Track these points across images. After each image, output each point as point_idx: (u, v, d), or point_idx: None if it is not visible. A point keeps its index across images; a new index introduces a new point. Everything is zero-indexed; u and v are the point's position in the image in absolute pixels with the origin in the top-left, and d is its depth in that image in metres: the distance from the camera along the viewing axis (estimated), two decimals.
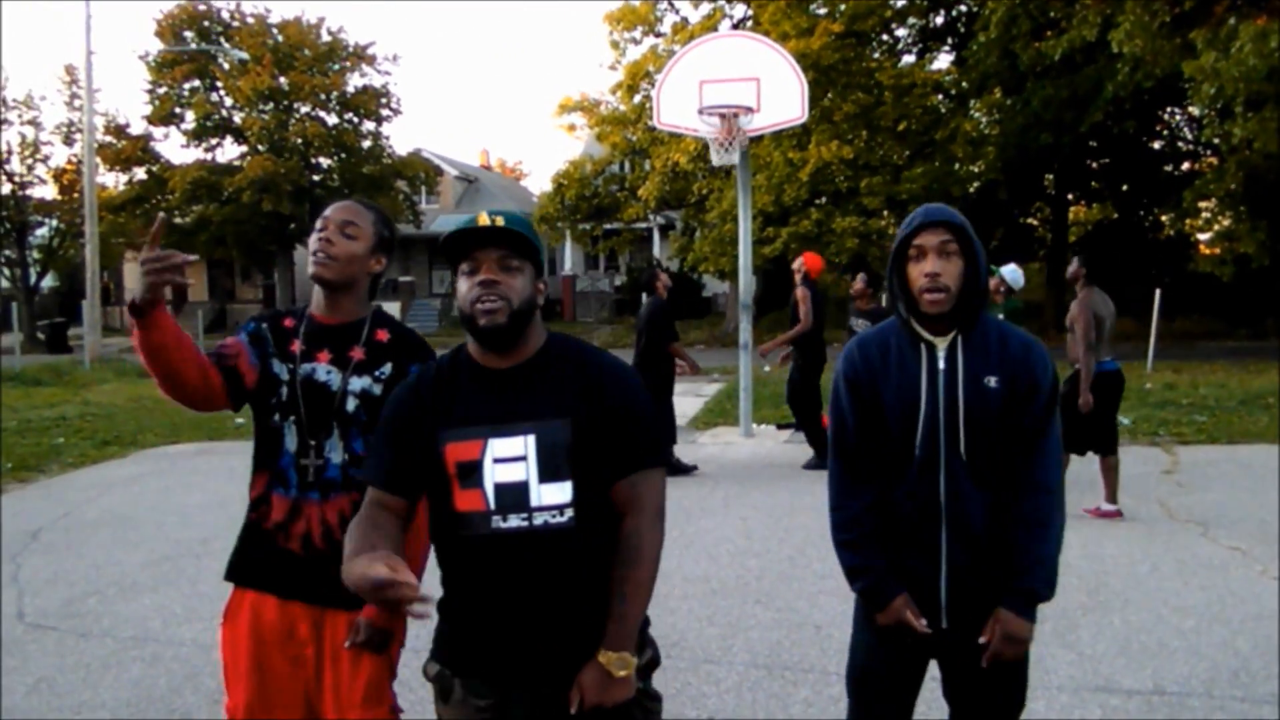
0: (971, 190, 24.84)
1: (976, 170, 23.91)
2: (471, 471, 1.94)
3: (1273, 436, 10.07)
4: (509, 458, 1.93)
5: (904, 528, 2.33)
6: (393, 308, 34.09)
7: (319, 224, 2.39)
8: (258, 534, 2.40)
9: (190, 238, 32.57)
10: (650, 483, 2.01)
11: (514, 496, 1.92)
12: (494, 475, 1.93)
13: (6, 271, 30.68)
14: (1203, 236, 27.24)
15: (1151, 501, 7.26)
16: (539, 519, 1.93)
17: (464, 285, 1.96)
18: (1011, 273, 7.64)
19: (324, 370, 2.37)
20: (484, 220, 1.94)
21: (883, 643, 2.38)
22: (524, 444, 1.94)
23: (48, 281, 35.04)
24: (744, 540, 6.45)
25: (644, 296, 9.06)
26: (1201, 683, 4.03)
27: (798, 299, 8.91)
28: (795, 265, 9.23)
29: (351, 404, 2.36)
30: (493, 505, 1.93)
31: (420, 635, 2.32)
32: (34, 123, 30.11)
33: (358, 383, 2.37)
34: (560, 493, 1.94)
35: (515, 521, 1.92)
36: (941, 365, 2.30)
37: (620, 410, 1.99)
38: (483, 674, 1.99)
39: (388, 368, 2.39)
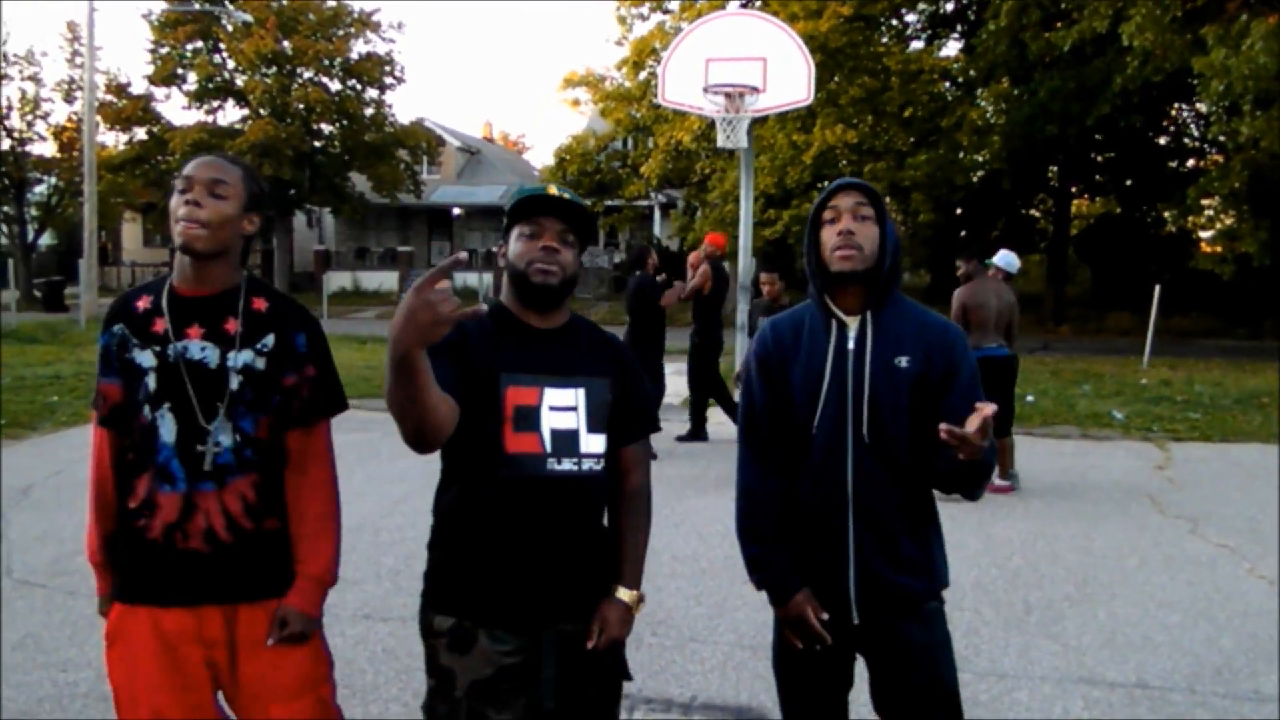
0: (975, 179, 24.79)
1: (981, 159, 23.86)
2: (528, 415, 2.08)
3: (1266, 436, 10.09)
4: (563, 407, 2.12)
5: (810, 517, 2.25)
6: (390, 276, 34.06)
7: (180, 184, 2.10)
8: (145, 545, 2.12)
9: None
10: (646, 448, 2.33)
11: (567, 442, 2.11)
12: (550, 421, 2.10)
13: (4, 228, 30.56)
14: (1204, 234, 27.22)
15: (1142, 497, 7.27)
16: (585, 465, 2.13)
17: (523, 245, 2.13)
18: (1005, 258, 7.55)
19: (198, 347, 2.12)
20: (554, 192, 2.11)
21: (794, 636, 2.29)
22: (575, 396, 2.13)
23: (45, 239, 34.90)
24: (733, 520, 6.44)
25: (636, 273, 8.99)
26: (1184, 677, 4.05)
27: (690, 264, 9.22)
28: (702, 248, 9.49)
29: (235, 381, 2.12)
30: (549, 449, 2.09)
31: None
32: (34, 79, 30.02)
33: (239, 358, 2.13)
34: (599, 443, 2.16)
35: (568, 465, 2.11)
36: (851, 345, 2.23)
37: (635, 382, 2.27)
38: (510, 620, 2.09)
39: (270, 339, 2.16)
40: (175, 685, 2.12)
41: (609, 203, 30.75)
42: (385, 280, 34.12)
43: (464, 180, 38.78)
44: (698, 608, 4.82)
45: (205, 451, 2.10)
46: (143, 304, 2.17)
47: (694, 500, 6.91)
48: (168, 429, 2.10)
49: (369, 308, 30.04)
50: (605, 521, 2.26)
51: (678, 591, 5.04)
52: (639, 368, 2.32)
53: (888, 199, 22.96)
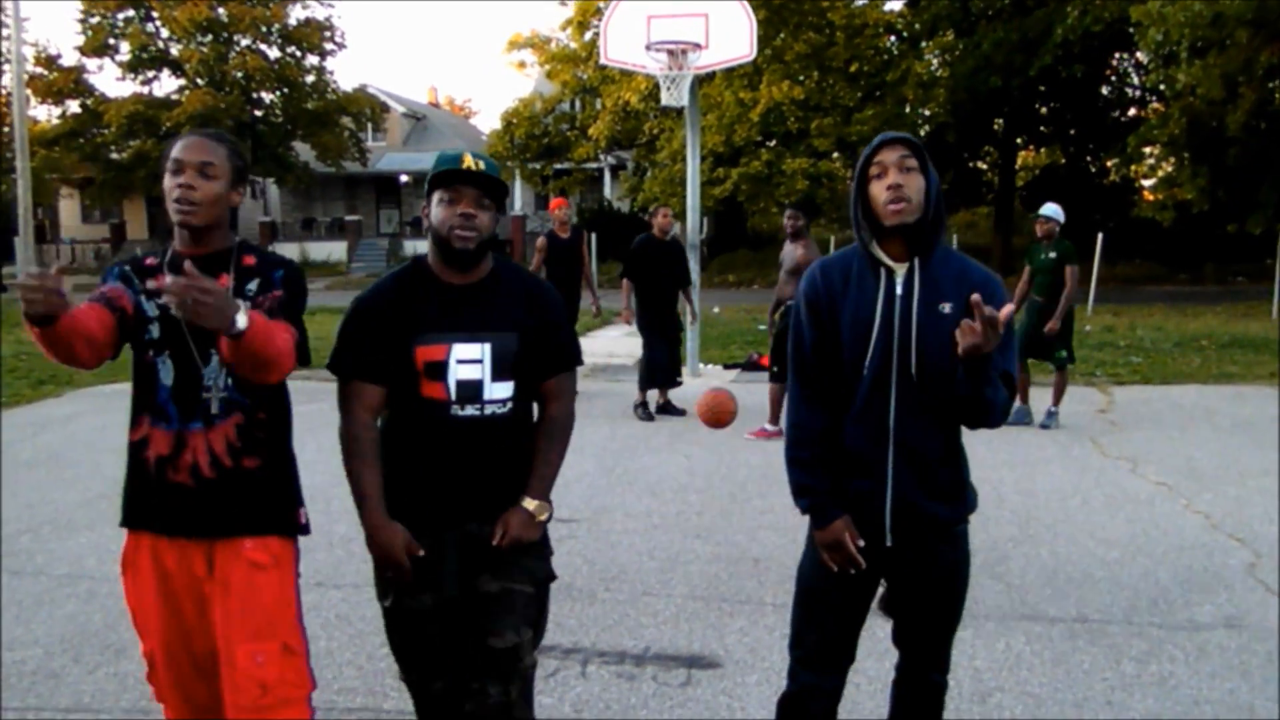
0: (921, 133, 24.93)
1: (927, 113, 24.04)
2: (438, 370, 2.40)
3: (1204, 378, 10.34)
4: (470, 359, 2.42)
5: (853, 449, 2.39)
6: (339, 247, 33.63)
7: (172, 165, 2.30)
8: (143, 474, 2.35)
9: (128, 174, 31.75)
10: (569, 380, 2.62)
11: (471, 390, 2.42)
12: (456, 373, 2.41)
13: None
14: (1146, 182, 27.71)
15: (1085, 439, 7.44)
16: (489, 409, 2.44)
17: (444, 211, 2.40)
18: (1054, 210, 7.98)
19: None
20: (468, 163, 2.37)
21: (831, 559, 2.45)
22: (481, 350, 2.43)
23: None
24: (686, 477, 6.52)
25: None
26: (1122, 610, 4.17)
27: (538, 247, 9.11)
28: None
29: None
30: (454, 397, 2.41)
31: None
32: None
33: None
34: (504, 389, 2.46)
35: (470, 410, 2.42)
36: (899, 290, 2.34)
37: (552, 324, 2.55)
38: (418, 522, 2.43)
39: (255, 283, 2.35)
40: (175, 619, 2.36)
41: (558, 166, 30.57)
42: (334, 250, 33.68)
43: (410, 146, 38.26)
44: (650, 562, 4.87)
45: (210, 397, 2.31)
46: (150, 262, 2.41)
47: (646, 458, 6.96)
48: (167, 373, 2.32)
49: (318, 279, 29.61)
50: (522, 446, 2.54)
51: (630, 547, 5.09)
52: (562, 311, 2.60)
53: (835, 155, 23.05)
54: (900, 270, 2.35)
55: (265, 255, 2.43)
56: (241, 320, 2.00)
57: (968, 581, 2.51)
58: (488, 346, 2.42)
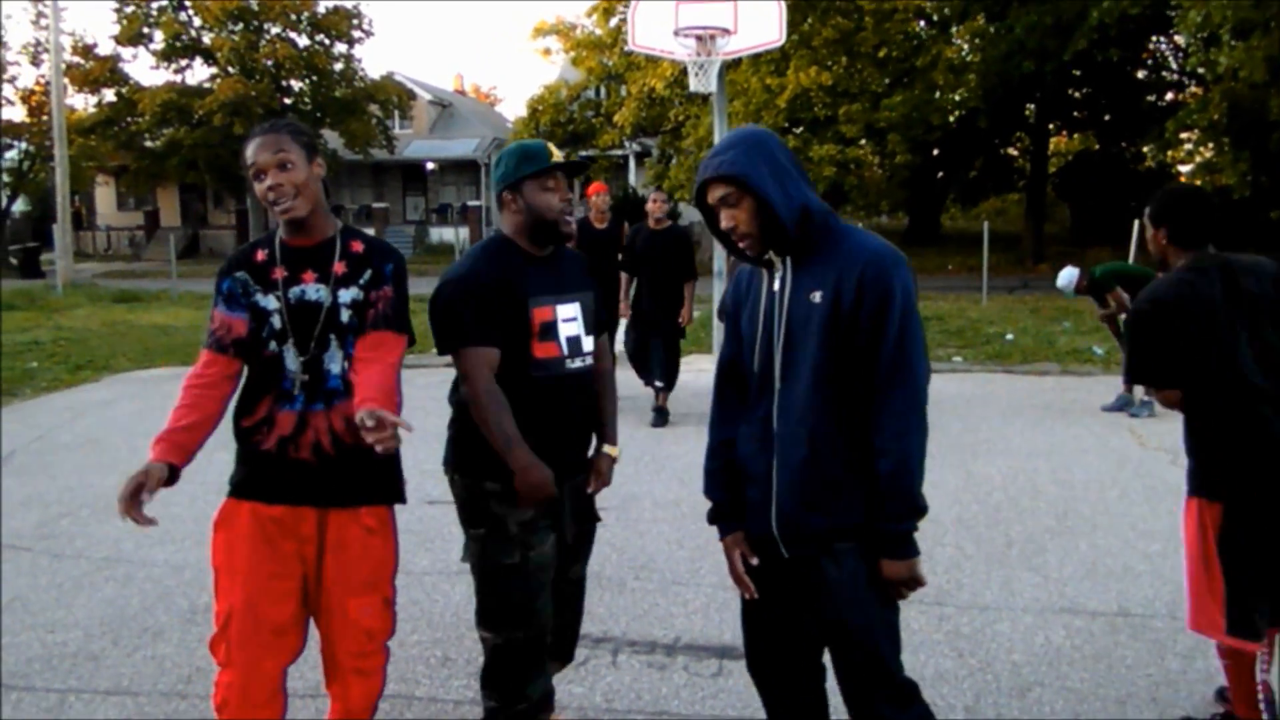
0: (951, 119, 24.64)
1: (957, 98, 23.70)
2: (550, 329, 2.70)
3: None
4: (569, 318, 2.76)
5: (743, 456, 2.33)
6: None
7: (253, 172, 2.43)
8: (259, 455, 2.50)
9: (162, 161, 31.98)
10: (608, 340, 3.03)
11: (576, 345, 2.77)
12: (564, 331, 2.74)
13: None
14: (1184, 168, 27.25)
15: (1123, 430, 7.33)
16: (588, 361, 2.81)
17: (548, 198, 2.72)
18: (1065, 280, 7.97)
19: (313, 290, 2.49)
20: (556, 155, 2.73)
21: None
22: (575, 309, 2.78)
23: (19, 206, 34.36)
24: None
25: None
26: (1165, 605, 4.10)
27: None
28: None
29: (345, 315, 2.49)
30: (566, 352, 2.74)
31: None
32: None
33: (346, 294, 2.50)
34: (593, 343, 2.84)
35: (578, 363, 2.78)
36: (776, 286, 2.25)
37: (597, 289, 2.94)
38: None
39: (367, 274, 2.52)
40: (269, 570, 2.48)
41: (583, 153, 30.43)
42: None
43: (437, 134, 38.30)
44: (680, 551, 4.86)
45: (331, 380, 2.48)
46: (260, 256, 2.54)
47: (675, 446, 6.93)
48: (291, 359, 2.48)
49: None
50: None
51: (659, 536, 5.07)
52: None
53: (864, 142, 22.82)
54: (780, 264, 2.24)
55: (371, 242, 2.59)
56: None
57: (864, 607, 2.22)
58: (578, 305, 2.78)
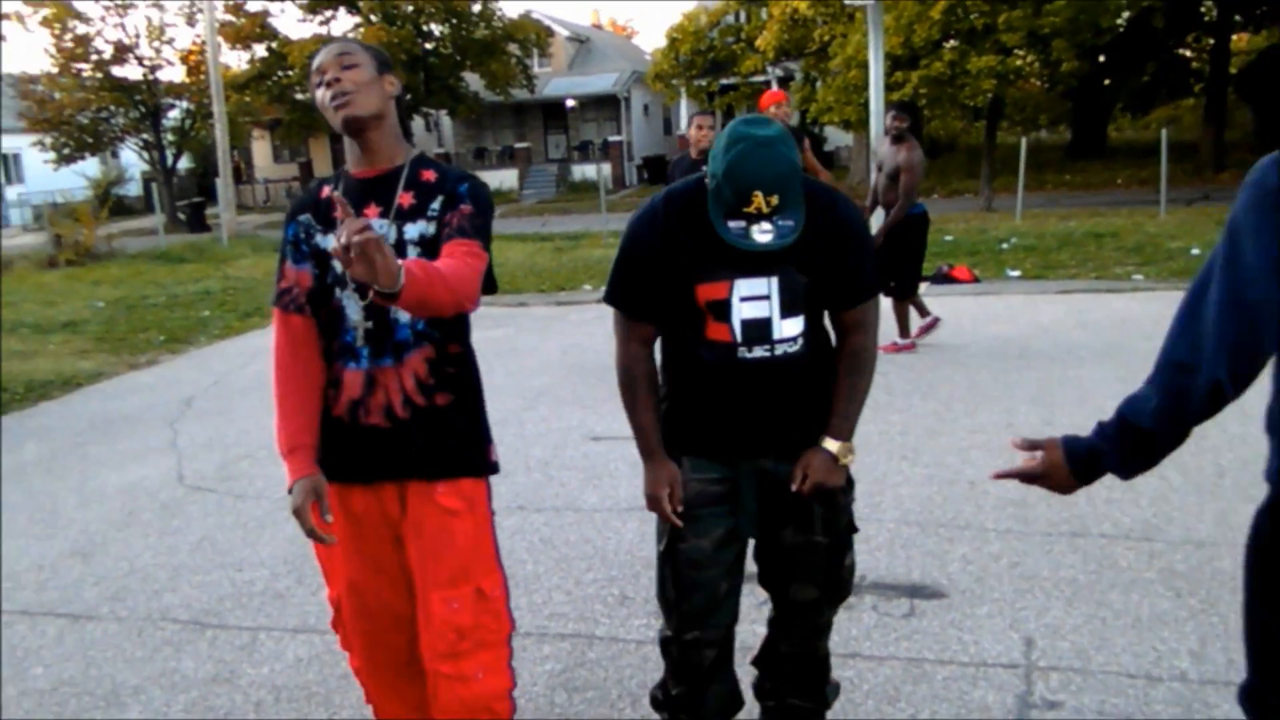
0: (1121, 22, 22.93)
1: None
2: (720, 308, 2.15)
3: None
4: (755, 296, 2.14)
5: None
6: (509, 175, 34.11)
7: (316, 77, 2.14)
8: (332, 422, 2.21)
9: (312, 113, 32.88)
10: (870, 309, 2.26)
11: (758, 330, 2.15)
12: (740, 313, 2.15)
13: (145, 155, 31.63)
14: None
15: None
16: (779, 349, 2.17)
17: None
18: None
19: (376, 225, 2.12)
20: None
21: None
22: (768, 285, 2.14)
23: (183, 163, 36.05)
24: (885, 396, 6.21)
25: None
26: None
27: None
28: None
29: (412, 252, 2.12)
30: (739, 338, 2.16)
31: None
32: (158, 4, 30.52)
33: (413, 229, 2.14)
34: (794, 326, 2.18)
35: (759, 352, 2.17)
36: None
37: (847, 245, 2.17)
38: (709, 450, 2.27)
39: (438, 202, 2.14)
40: (367, 563, 2.25)
41: (724, 81, 29.83)
42: (505, 179, 34.14)
43: (575, 70, 38.17)
44: (857, 486, 4.63)
45: (398, 329, 2.14)
46: (325, 192, 2.22)
47: None
48: (353, 308, 2.16)
49: None
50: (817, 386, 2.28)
51: None
52: (857, 226, 2.21)
53: (1023, 51, 21.46)
54: None
55: (446, 169, 2.22)
56: (401, 278, 1.78)
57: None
58: (775, 280, 2.13)
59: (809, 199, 2.08)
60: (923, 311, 7.48)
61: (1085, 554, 3.75)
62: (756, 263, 2.10)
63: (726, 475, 2.26)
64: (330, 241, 2.08)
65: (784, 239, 2.00)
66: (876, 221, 7.48)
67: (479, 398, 2.30)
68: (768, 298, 2.14)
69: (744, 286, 2.13)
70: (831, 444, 2.22)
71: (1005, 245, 12.80)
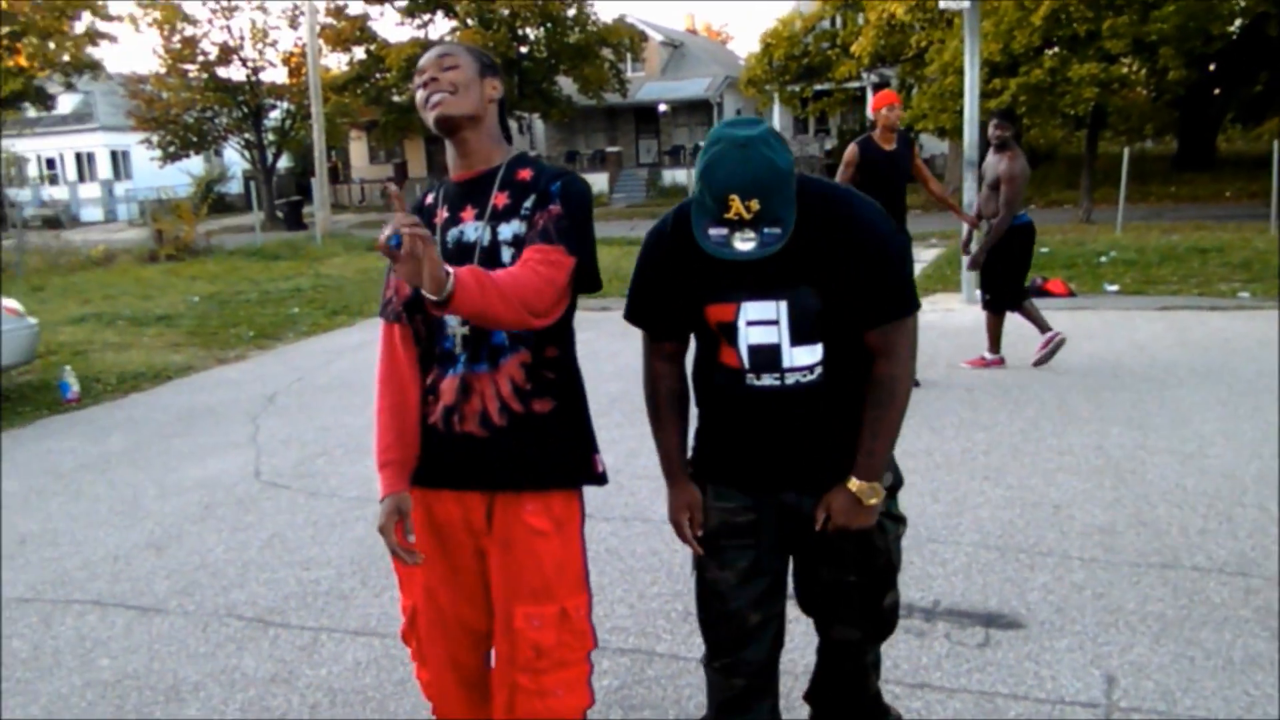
0: (1233, 29, 22.00)
1: (1242, 3, 21.08)
2: (729, 331, 2.03)
3: None
4: (761, 320, 2.00)
5: None
6: (600, 178, 34.26)
7: (416, 78, 2.11)
8: (428, 430, 2.17)
9: (408, 114, 33.55)
10: (900, 331, 2.03)
11: (767, 358, 2.02)
12: (747, 338, 2.02)
13: (246, 154, 32.63)
14: None
15: None
16: (790, 379, 2.03)
17: None
18: None
19: (471, 229, 2.10)
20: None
21: None
22: (776, 309, 1.99)
23: (283, 162, 37.07)
24: (969, 412, 6.01)
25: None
26: None
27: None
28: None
29: (507, 254, 2.05)
30: (747, 365, 2.03)
31: None
32: (262, 7, 31.51)
33: (507, 229, 2.07)
34: (808, 354, 2.02)
35: (768, 380, 2.03)
36: None
37: (871, 261, 1.97)
38: (731, 479, 2.17)
39: (530, 201, 2.07)
40: (446, 572, 2.21)
41: (818, 87, 29.51)
42: (596, 182, 34.29)
43: (668, 75, 38.18)
44: (934, 505, 4.48)
45: (494, 333, 2.09)
46: (429, 199, 2.22)
47: (924, 392, 6.48)
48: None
49: None
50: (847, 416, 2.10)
51: (910, 488, 4.68)
52: (883, 238, 1.99)
53: (1129, 59, 20.71)
54: None
55: (542, 167, 2.14)
56: (449, 285, 1.73)
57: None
58: (784, 304, 1.98)
59: (822, 206, 1.94)
60: (1043, 327, 6.96)
61: (1175, 587, 3.55)
62: (765, 283, 1.96)
63: (749, 505, 2.15)
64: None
65: (768, 248, 1.83)
66: (980, 235, 7.21)
67: (582, 404, 2.23)
68: (776, 323, 1.99)
69: (751, 310, 1.99)
70: (854, 484, 2.06)
71: (1104, 259, 12.36)
